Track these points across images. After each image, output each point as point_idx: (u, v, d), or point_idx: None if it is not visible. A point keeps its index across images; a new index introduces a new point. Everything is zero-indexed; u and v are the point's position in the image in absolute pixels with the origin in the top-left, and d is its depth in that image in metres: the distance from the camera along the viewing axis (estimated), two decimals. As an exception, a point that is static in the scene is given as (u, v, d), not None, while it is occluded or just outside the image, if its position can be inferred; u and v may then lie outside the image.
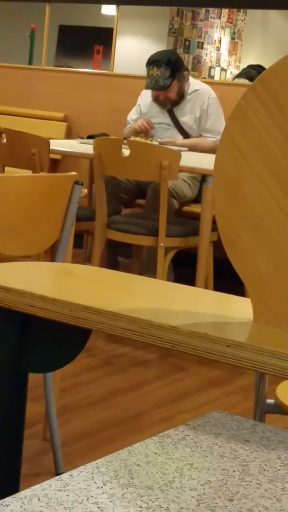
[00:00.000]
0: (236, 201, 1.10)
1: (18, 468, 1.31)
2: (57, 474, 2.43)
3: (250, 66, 6.64)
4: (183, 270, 4.14)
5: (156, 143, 4.40)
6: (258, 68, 6.27)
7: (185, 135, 4.75)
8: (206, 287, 3.88)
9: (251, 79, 5.94)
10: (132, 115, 4.93)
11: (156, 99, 4.75)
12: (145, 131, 4.73)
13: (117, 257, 4.68)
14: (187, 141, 4.69)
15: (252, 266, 1.12)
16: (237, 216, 1.11)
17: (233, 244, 1.12)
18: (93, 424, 2.87)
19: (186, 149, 4.50)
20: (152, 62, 4.65)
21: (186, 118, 4.75)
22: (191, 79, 4.81)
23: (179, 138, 4.71)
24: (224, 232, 1.13)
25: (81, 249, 4.50)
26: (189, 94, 4.74)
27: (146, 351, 3.73)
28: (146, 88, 4.70)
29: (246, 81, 5.94)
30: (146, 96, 4.86)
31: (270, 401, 1.79)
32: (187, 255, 4.11)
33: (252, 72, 6.12)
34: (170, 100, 4.70)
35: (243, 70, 6.62)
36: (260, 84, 1.06)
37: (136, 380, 3.39)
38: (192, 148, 4.61)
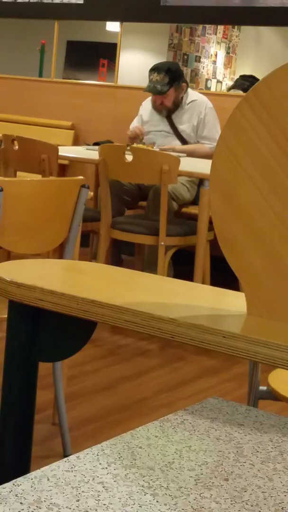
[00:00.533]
0: (231, 203, 1.10)
1: (29, 450, 1.31)
2: (65, 456, 2.42)
3: (243, 77, 6.61)
4: (182, 267, 4.14)
5: (157, 149, 4.39)
6: (251, 79, 6.25)
7: (184, 142, 4.76)
8: (203, 282, 3.88)
9: (245, 90, 5.93)
10: (134, 123, 4.94)
11: (153, 104, 4.77)
12: (135, 137, 4.75)
13: (121, 255, 4.67)
14: (185, 147, 4.69)
15: (246, 263, 1.11)
16: (232, 217, 1.10)
17: (228, 243, 1.12)
18: (99, 409, 2.87)
19: (185, 155, 4.50)
20: (154, 68, 4.69)
21: (184, 126, 4.75)
22: (189, 90, 4.81)
23: (178, 145, 4.71)
24: (220, 231, 1.12)
25: (88, 248, 4.49)
26: (187, 104, 4.74)
27: (148, 341, 3.73)
28: (145, 90, 4.72)
29: (240, 92, 5.93)
30: (146, 107, 4.87)
31: (262, 388, 1.78)
32: (185, 253, 4.11)
33: (246, 84, 6.10)
34: (165, 107, 4.71)
35: (237, 81, 6.59)
36: (253, 95, 1.06)
37: (138, 369, 3.39)
38: (191, 154, 4.61)
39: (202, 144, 4.72)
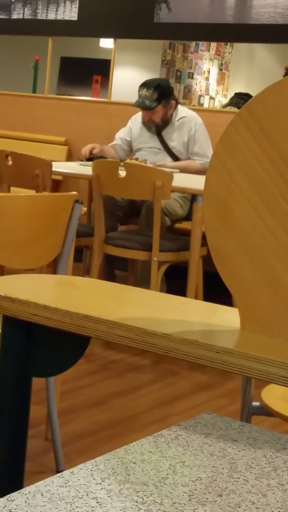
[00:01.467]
0: (224, 218, 1.10)
1: (22, 465, 1.31)
2: (58, 471, 2.41)
3: (238, 95, 6.65)
4: (175, 283, 4.14)
5: (151, 165, 4.40)
6: (246, 98, 6.29)
7: (175, 158, 4.77)
8: (196, 298, 3.88)
9: (239, 108, 5.95)
10: (121, 133, 4.96)
11: (142, 120, 4.79)
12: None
13: (114, 270, 4.67)
14: (177, 163, 4.71)
15: (239, 278, 1.12)
16: (225, 232, 1.11)
17: (221, 258, 1.12)
18: (92, 425, 2.86)
19: (178, 170, 4.51)
20: (144, 84, 4.72)
21: (175, 143, 4.76)
22: (180, 107, 4.83)
23: (169, 161, 4.73)
24: (213, 246, 1.13)
25: (81, 263, 4.49)
26: (177, 121, 4.76)
27: (141, 357, 3.72)
28: (134, 105, 4.74)
29: (235, 109, 5.96)
30: (137, 122, 4.89)
31: (255, 403, 1.78)
32: (178, 268, 4.11)
33: (241, 102, 6.14)
34: (154, 123, 4.73)
35: (232, 99, 6.63)
36: (247, 111, 1.07)
37: (131, 384, 3.38)
38: (183, 170, 4.62)
39: (194, 160, 4.73)
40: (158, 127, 4.75)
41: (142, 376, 3.54)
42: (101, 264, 4.05)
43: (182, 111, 4.82)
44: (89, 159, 4.65)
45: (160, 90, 4.66)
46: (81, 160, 4.73)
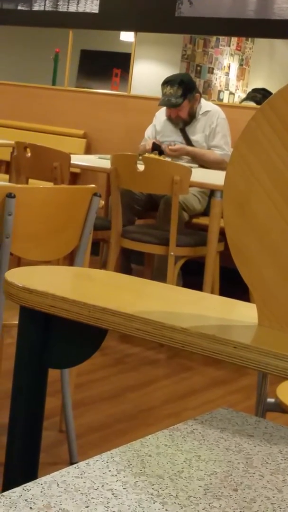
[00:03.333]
0: (244, 214, 1.10)
1: (37, 456, 1.31)
2: (72, 463, 2.42)
3: (255, 90, 6.63)
4: (191, 278, 4.14)
5: (169, 159, 4.40)
6: (263, 92, 6.27)
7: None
8: (212, 293, 3.88)
9: (257, 102, 5.94)
10: (148, 131, 4.96)
11: (169, 118, 4.78)
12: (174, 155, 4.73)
13: (130, 264, 4.68)
14: (196, 149, 4.69)
15: (258, 274, 1.11)
16: (245, 227, 1.11)
17: (240, 253, 1.12)
18: (106, 418, 2.87)
19: (197, 165, 4.50)
20: (167, 81, 4.69)
21: (197, 136, 4.75)
22: (203, 101, 4.82)
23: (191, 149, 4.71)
24: (233, 241, 1.13)
25: (97, 256, 4.50)
26: (200, 115, 4.75)
27: (156, 351, 3.73)
28: (159, 105, 4.73)
29: (253, 104, 5.94)
30: (160, 117, 4.89)
31: (270, 400, 1.78)
32: (195, 263, 4.11)
33: (258, 96, 6.12)
34: (181, 119, 4.72)
35: (249, 94, 6.61)
36: (269, 106, 1.06)
37: (146, 378, 3.38)
38: (200, 157, 4.61)
39: (213, 150, 4.72)
40: (185, 123, 4.74)
41: (157, 370, 3.54)
42: (117, 257, 4.06)
43: (206, 105, 4.81)
44: (154, 149, 4.60)
45: (184, 85, 4.65)
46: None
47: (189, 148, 4.67)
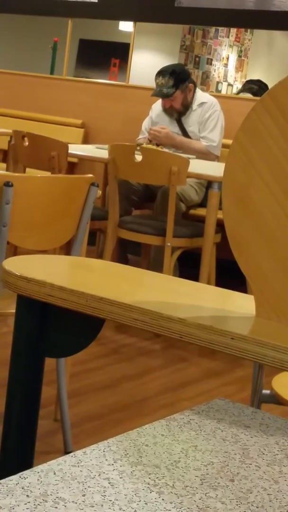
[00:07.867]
0: (243, 205, 1.10)
1: (33, 444, 1.31)
2: (66, 452, 2.42)
3: (250, 81, 6.63)
4: (187, 269, 4.14)
5: (167, 150, 4.39)
6: (259, 83, 6.27)
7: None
8: (208, 284, 3.88)
9: (254, 93, 5.94)
10: (145, 123, 4.95)
11: (164, 108, 4.78)
12: (156, 139, 4.74)
13: (127, 254, 4.68)
14: (184, 138, 4.70)
15: (256, 265, 1.11)
16: (244, 219, 1.10)
17: (239, 244, 1.12)
18: (101, 407, 2.87)
19: (194, 156, 4.50)
20: (159, 72, 4.70)
21: (193, 127, 4.75)
22: (200, 92, 4.81)
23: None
24: (231, 232, 1.12)
25: (94, 246, 4.49)
26: (197, 106, 4.74)
27: (151, 342, 3.73)
28: (152, 95, 4.73)
29: (249, 95, 5.93)
30: (156, 109, 4.89)
31: (266, 391, 1.78)
32: (191, 255, 4.11)
33: (254, 88, 6.11)
34: (175, 109, 4.72)
35: (245, 85, 6.60)
36: (270, 97, 1.06)
37: (141, 368, 3.39)
38: (187, 145, 4.62)
39: (200, 141, 4.72)
40: (180, 113, 4.74)
41: (152, 360, 3.54)
42: (114, 248, 4.06)
43: (203, 96, 4.81)
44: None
45: (176, 75, 4.64)
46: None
47: (179, 138, 4.66)
